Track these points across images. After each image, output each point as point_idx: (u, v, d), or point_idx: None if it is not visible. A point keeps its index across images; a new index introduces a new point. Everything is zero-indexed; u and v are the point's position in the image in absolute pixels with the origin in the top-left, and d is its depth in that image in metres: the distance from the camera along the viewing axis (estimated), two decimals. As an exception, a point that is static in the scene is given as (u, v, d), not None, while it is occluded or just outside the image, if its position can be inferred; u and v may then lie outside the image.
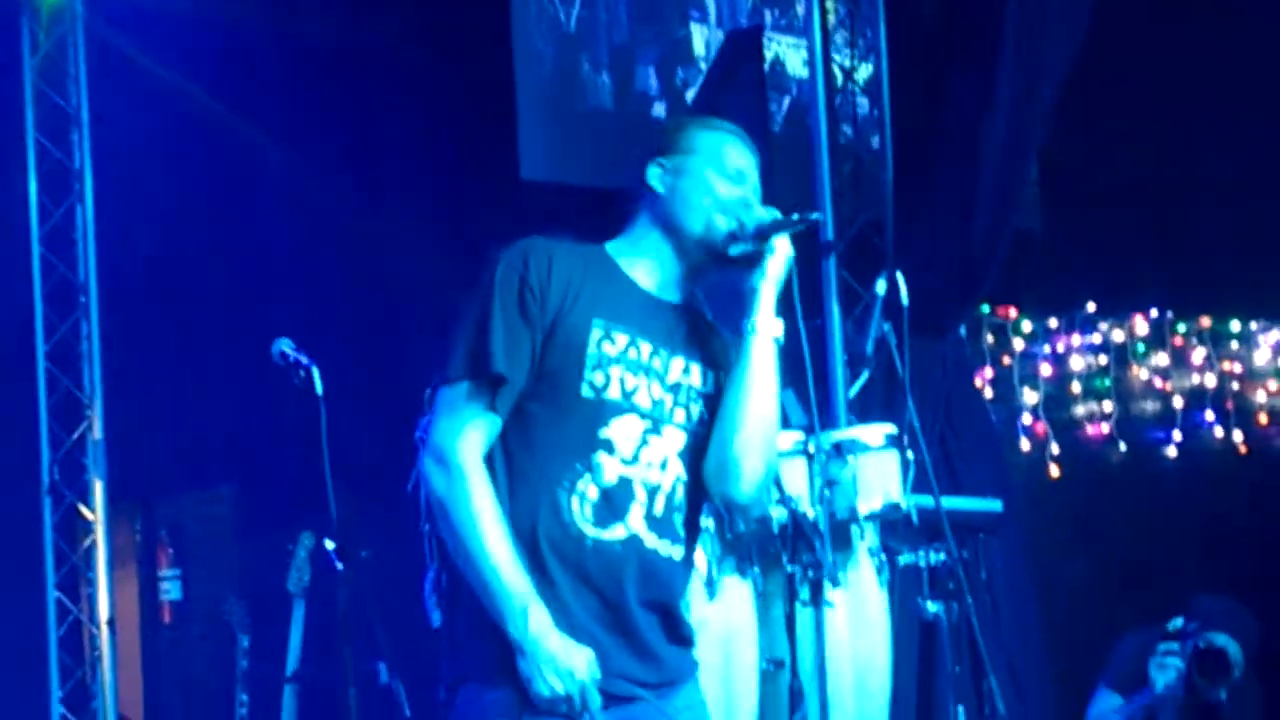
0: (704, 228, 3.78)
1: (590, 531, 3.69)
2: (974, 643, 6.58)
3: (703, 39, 9.31)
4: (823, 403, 7.41)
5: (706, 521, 5.79)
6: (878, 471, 6.04)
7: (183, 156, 8.17)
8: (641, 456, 3.73)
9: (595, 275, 3.78)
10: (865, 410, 7.31)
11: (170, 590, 9.41)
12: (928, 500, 6.09)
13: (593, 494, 3.69)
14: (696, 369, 3.81)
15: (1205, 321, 9.55)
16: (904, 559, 6.20)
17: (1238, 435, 9.69)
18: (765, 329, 3.81)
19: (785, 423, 6.74)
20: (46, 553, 8.10)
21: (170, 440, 8.60)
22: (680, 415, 3.78)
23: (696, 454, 3.80)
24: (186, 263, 8.29)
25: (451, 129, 8.50)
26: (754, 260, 3.80)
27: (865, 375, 7.30)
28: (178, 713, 9.22)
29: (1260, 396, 9.89)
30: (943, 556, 6.14)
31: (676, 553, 3.78)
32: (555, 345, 3.70)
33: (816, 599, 5.72)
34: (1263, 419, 9.86)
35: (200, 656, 9.06)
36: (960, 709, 6.03)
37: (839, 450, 6.02)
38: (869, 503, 6.00)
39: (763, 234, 3.79)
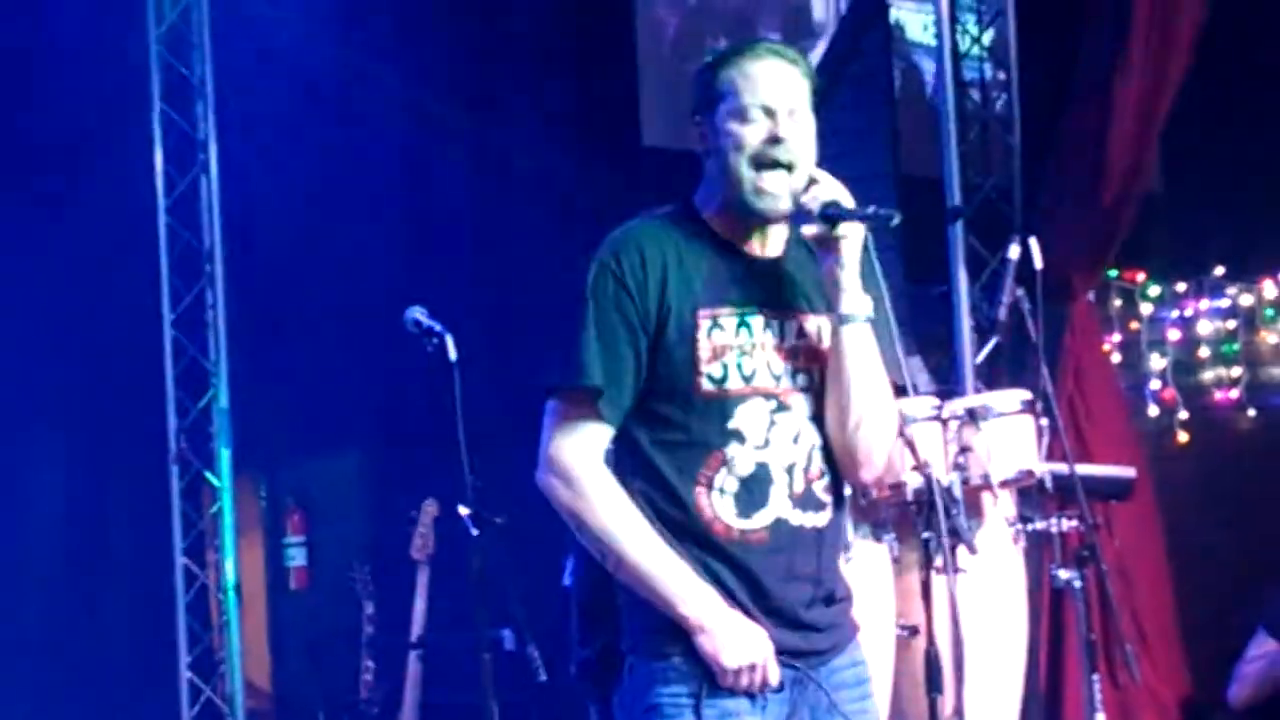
0: (751, 191, 3.69)
1: (736, 524, 3.68)
2: (1107, 609, 6.53)
3: (823, 5, 9.27)
4: (950, 369, 7.37)
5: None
6: (1012, 438, 5.99)
7: (308, 125, 8.20)
8: (773, 439, 3.70)
9: (690, 251, 3.72)
10: (990, 377, 7.25)
11: (296, 556, 9.46)
12: (1061, 467, 6.04)
13: (731, 486, 3.68)
14: (811, 321, 3.75)
15: (1334, 285, 9.42)
16: (1036, 525, 6.13)
17: (1361, 401, 9.55)
18: (854, 312, 3.71)
19: (914, 390, 6.75)
20: (174, 520, 8.18)
21: (297, 408, 8.65)
22: (803, 379, 3.74)
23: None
24: (313, 230, 8.33)
25: (574, 96, 8.49)
26: (825, 242, 3.69)
27: (993, 342, 7.23)
28: (303, 678, 9.27)
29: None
30: (1075, 523, 6.07)
31: (823, 520, 3.76)
32: (666, 343, 3.67)
33: (951, 566, 5.67)
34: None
35: (326, 623, 9.11)
36: (1094, 676, 5.96)
37: (972, 416, 5.98)
38: (1003, 469, 5.95)
39: (830, 220, 3.67)
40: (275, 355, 8.53)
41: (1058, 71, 7.45)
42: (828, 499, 3.76)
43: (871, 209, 3.71)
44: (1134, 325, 8.89)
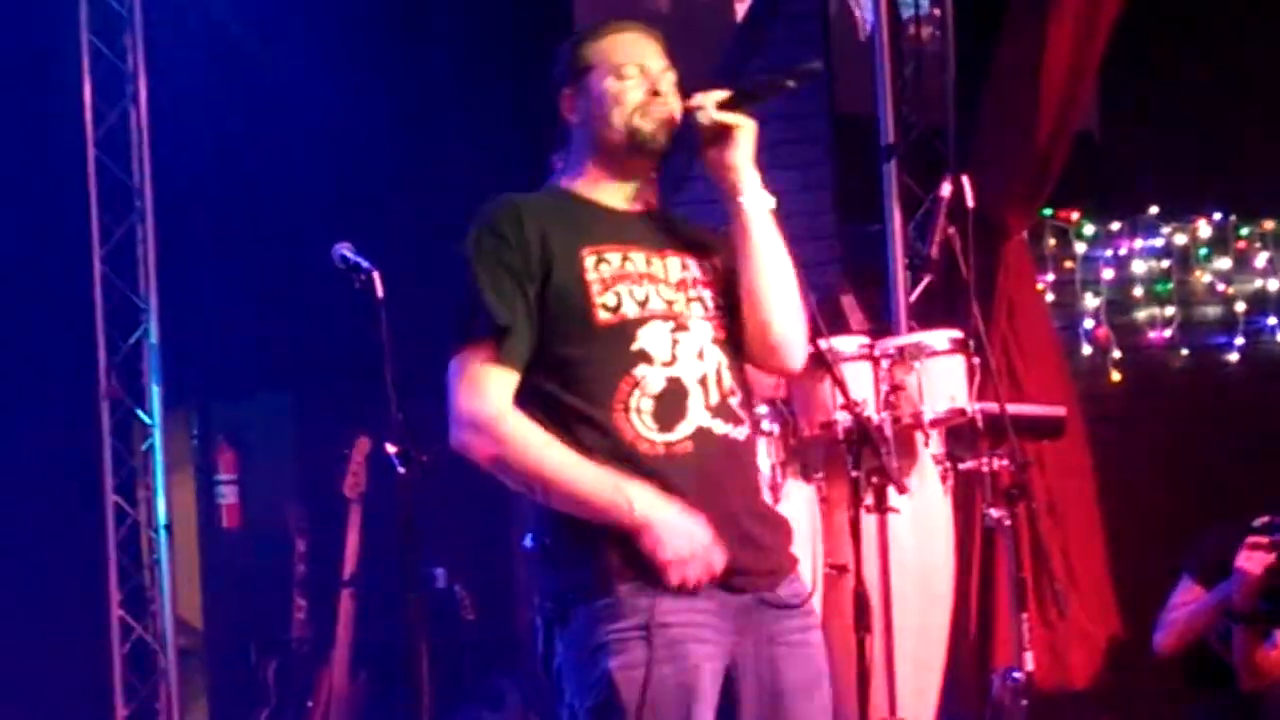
0: (628, 135, 3.83)
1: (660, 438, 3.71)
2: (1037, 548, 6.55)
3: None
4: (884, 307, 7.36)
5: (771, 426, 5.78)
6: (943, 376, 5.99)
7: (238, 59, 8.13)
8: (679, 355, 3.75)
9: (564, 212, 3.83)
10: (926, 315, 7.25)
11: (227, 494, 9.43)
12: (992, 406, 6.04)
13: (647, 405, 3.72)
14: (692, 261, 3.86)
15: (1268, 224, 9.41)
16: (967, 464, 6.13)
17: (1301, 339, 9.58)
18: (760, 200, 3.85)
19: (846, 327, 6.74)
20: (105, 457, 8.12)
21: (229, 345, 8.60)
22: (697, 307, 3.82)
23: (727, 338, 3.83)
24: (244, 166, 8.26)
25: (507, 27, 8.43)
26: (721, 135, 3.83)
27: (926, 280, 7.23)
28: (235, 616, 9.26)
29: (1325, 299, 9.76)
30: (1005, 462, 6.07)
31: (742, 434, 3.81)
32: (555, 286, 3.74)
33: (880, 505, 5.68)
34: (1326, 322, 9.74)
35: (258, 560, 9.09)
36: (1023, 615, 5.97)
37: (903, 354, 5.97)
38: (934, 407, 5.95)
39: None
40: (206, 292, 8.46)
41: (993, 8, 7.42)
42: (744, 415, 3.83)
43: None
44: (1068, 264, 8.87)
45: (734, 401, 3.80)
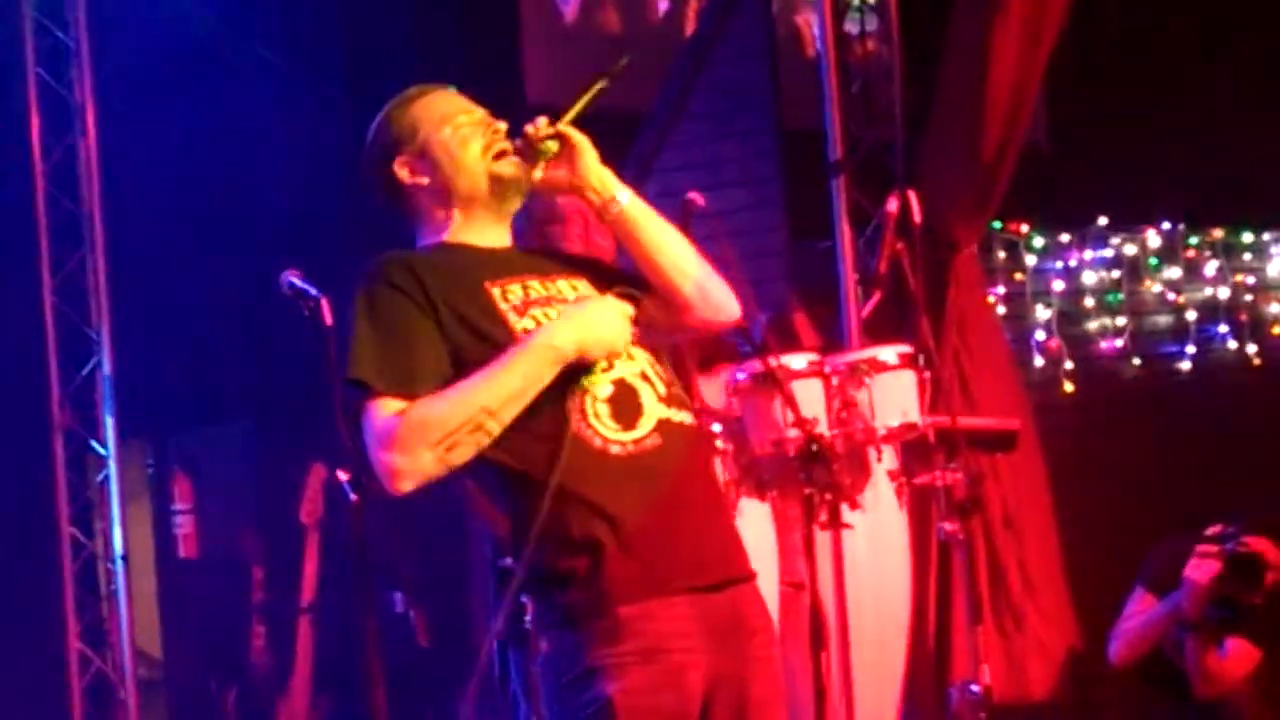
0: (483, 177, 3.82)
1: (627, 436, 3.67)
2: (993, 561, 6.58)
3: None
4: (837, 323, 7.38)
5: (725, 445, 5.79)
6: (894, 391, 6.00)
7: (187, 88, 8.12)
8: (610, 361, 3.71)
9: (450, 261, 3.80)
10: (878, 331, 7.26)
11: (184, 524, 9.41)
12: (944, 419, 6.06)
13: (603, 409, 3.68)
14: (578, 280, 3.86)
15: (1217, 233, 9.48)
16: (921, 479, 6.15)
17: (1252, 348, 9.64)
18: (627, 193, 3.87)
19: (798, 344, 6.76)
20: (59, 489, 8.09)
21: (182, 375, 8.58)
22: None
23: (641, 338, 3.80)
24: (194, 196, 8.24)
25: (455, 51, 8.43)
26: (565, 157, 3.82)
27: (877, 296, 7.24)
28: (195, 645, 9.23)
29: (1274, 308, 9.82)
30: (959, 476, 6.09)
31: (690, 419, 3.81)
32: (470, 327, 3.69)
33: (834, 521, 5.69)
34: (1277, 330, 9.81)
35: (216, 589, 9.06)
36: (978, 629, 5.99)
37: (854, 370, 5.99)
38: (885, 422, 5.97)
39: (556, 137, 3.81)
40: (158, 322, 8.45)
41: (939, 23, 7.44)
42: (687, 400, 3.84)
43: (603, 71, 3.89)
44: (1018, 276, 8.92)
45: (676, 390, 3.80)
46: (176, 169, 8.20)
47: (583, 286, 3.86)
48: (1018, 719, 7.00)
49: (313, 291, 5.24)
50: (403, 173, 3.89)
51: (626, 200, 3.87)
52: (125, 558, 8.10)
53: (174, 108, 8.16)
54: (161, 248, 8.43)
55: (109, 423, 8.12)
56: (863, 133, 7.63)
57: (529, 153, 3.83)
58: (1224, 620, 6.40)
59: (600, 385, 3.70)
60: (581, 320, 3.66)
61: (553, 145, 3.84)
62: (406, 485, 3.67)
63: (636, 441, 3.67)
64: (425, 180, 3.87)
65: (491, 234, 3.89)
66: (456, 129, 3.84)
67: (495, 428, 3.62)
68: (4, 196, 8.06)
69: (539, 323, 3.70)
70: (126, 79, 8.15)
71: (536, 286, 3.79)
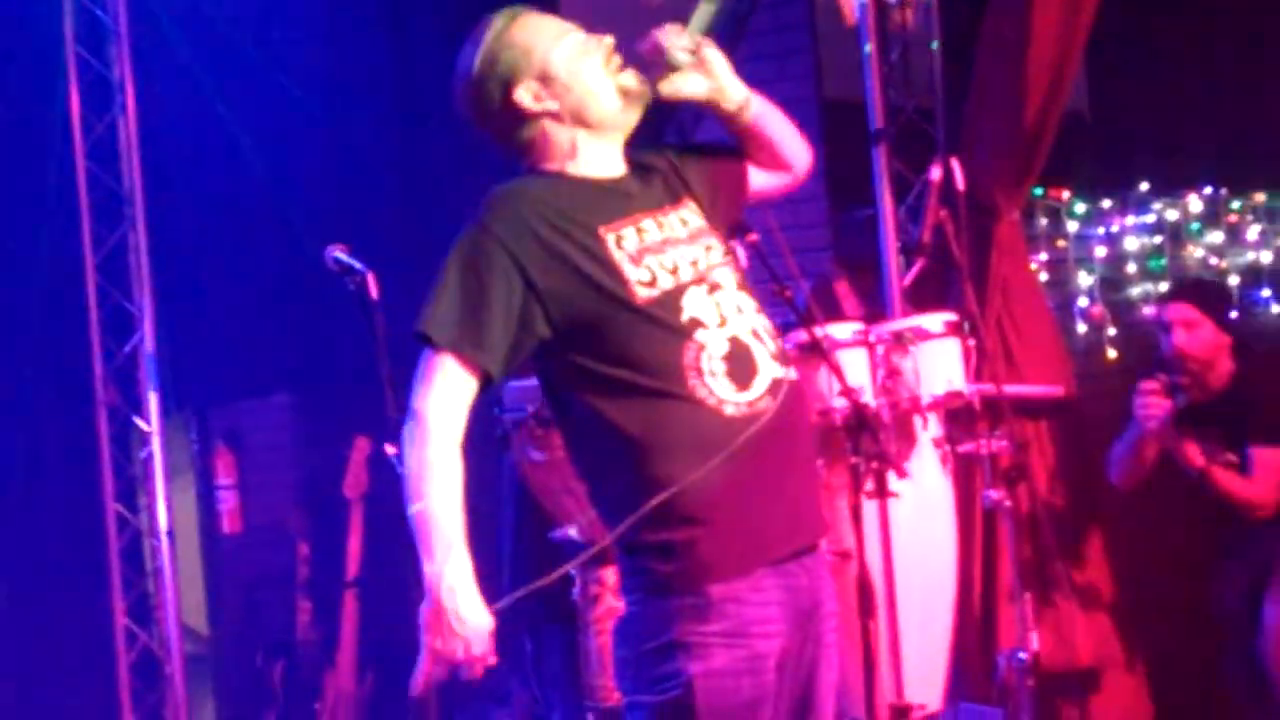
0: (613, 93, 3.81)
1: (743, 398, 3.66)
2: (1038, 528, 6.56)
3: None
4: (879, 292, 7.36)
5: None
6: (939, 360, 5.99)
7: (226, 63, 8.12)
8: (726, 315, 3.70)
9: (569, 201, 3.75)
10: (920, 299, 7.24)
11: (227, 499, 9.43)
12: (989, 387, 6.05)
13: (719, 367, 3.65)
14: (686, 211, 3.84)
15: (1259, 197, 9.42)
16: (966, 447, 6.14)
17: (1294, 311, 9.59)
18: (757, 98, 4.00)
19: (841, 314, 6.75)
20: (104, 466, 8.12)
21: (225, 349, 8.60)
22: (714, 254, 3.80)
23: (742, 280, 3.82)
24: (236, 171, 8.25)
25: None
26: (695, 70, 3.89)
27: (920, 264, 7.22)
28: (240, 621, 9.27)
29: (1317, 271, 9.77)
30: (1004, 443, 6.07)
31: (795, 375, 3.80)
32: (581, 273, 3.66)
33: (881, 490, 5.68)
34: (1320, 294, 9.76)
35: (261, 564, 9.09)
36: (1027, 596, 5.98)
37: (899, 339, 5.97)
38: (931, 391, 5.95)
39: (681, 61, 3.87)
40: (200, 297, 8.47)
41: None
42: (788, 354, 3.84)
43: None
44: (1060, 243, 8.87)
45: (780, 344, 3.80)
46: (216, 144, 8.21)
47: (691, 218, 3.83)
48: (1065, 685, 6.98)
49: (358, 266, 5.27)
50: (526, 99, 3.81)
51: (757, 104, 3.96)
52: (171, 533, 8.12)
53: (212, 82, 8.16)
54: (202, 224, 8.45)
55: (152, 399, 8.14)
56: (903, 101, 7.60)
57: (655, 65, 3.83)
58: (1221, 435, 6.48)
59: (716, 343, 3.67)
60: (459, 614, 3.55)
61: (686, 57, 3.83)
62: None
63: (751, 403, 3.65)
64: (554, 105, 3.80)
65: (611, 159, 3.84)
66: (574, 47, 3.81)
67: (408, 499, 3.63)
68: (45, 175, 8.07)
69: (653, 274, 3.67)
70: (165, 54, 8.15)
71: (650, 229, 3.75)
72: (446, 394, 3.65)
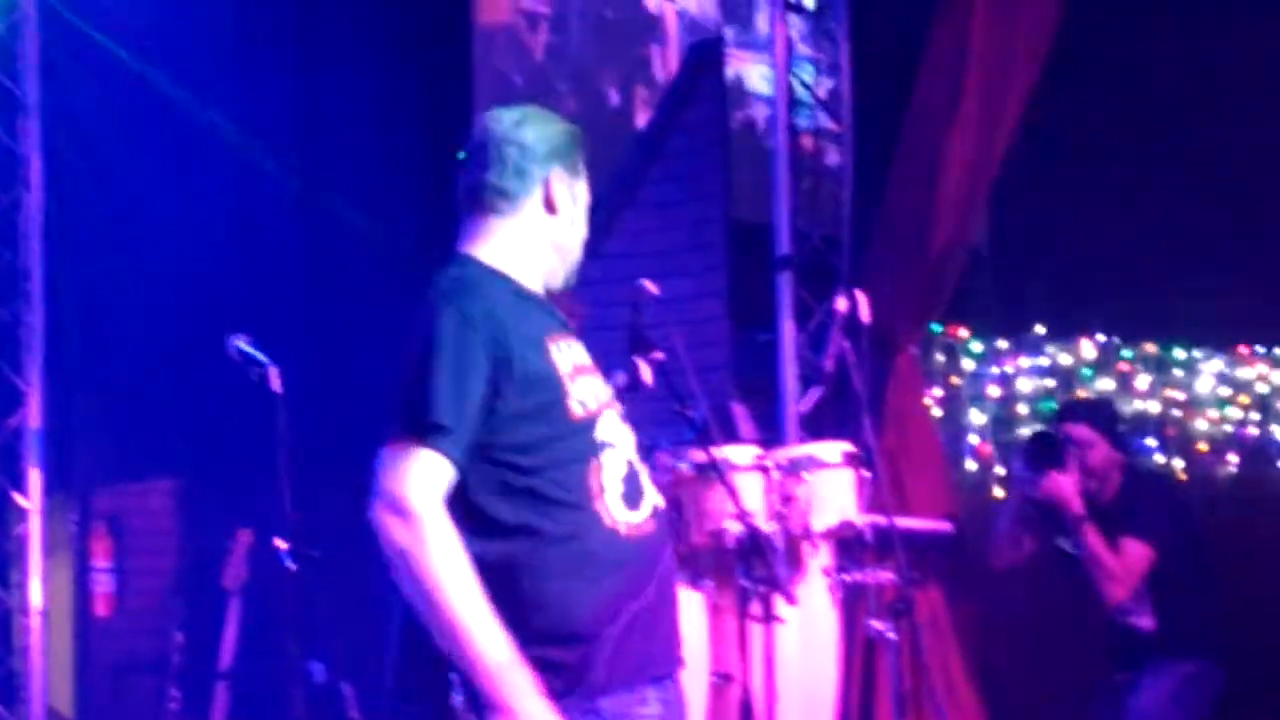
0: (575, 255, 3.91)
1: (633, 518, 3.72)
2: (919, 662, 6.57)
3: (660, 61, 9.35)
4: (775, 417, 7.39)
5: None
6: (834, 489, 6.02)
7: (135, 144, 8.09)
8: (619, 439, 3.78)
9: (519, 300, 3.79)
10: (814, 426, 7.29)
11: (103, 582, 9.30)
12: (881, 519, 6.07)
13: (617, 487, 3.72)
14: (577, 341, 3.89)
15: (1150, 348, 9.58)
16: (854, 576, 6.16)
17: (1178, 462, 9.73)
18: None
19: (737, 436, 6.77)
20: (-22, 540, 7.99)
21: (114, 431, 8.51)
22: (605, 387, 3.87)
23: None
24: (136, 254, 8.19)
25: (415, 137, 8.46)
26: None
27: (818, 391, 7.27)
28: (108, 706, 9.12)
29: (1201, 424, 9.93)
30: (891, 575, 6.10)
31: (663, 503, 3.87)
32: (529, 377, 3.68)
33: (768, 614, 5.68)
34: (1202, 446, 9.90)
35: (133, 650, 8.96)
36: (905, 727, 6.00)
37: (795, 466, 6.00)
38: (824, 520, 5.98)
39: None
40: (95, 377, 8.39)
41: (891, 126, 7.51)
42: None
43: None
44: (955, 380, 8.97)
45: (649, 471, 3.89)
46: (120, 226, 8.16)
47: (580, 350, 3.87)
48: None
49: (262, 358, 5.24)
50: (559, 188, 3.84)
51: None
52: (44, 613, 7.99)
53: (119, 161, 8.12)
54: (102, 303, 8.37)
55: (34, 476, 8.02)
56: (810, 229, 7.67)
57: None
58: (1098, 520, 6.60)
59: (615, 464, 3.74)
60: (535, 714, 3.53)
61: None
62: (375, 519, 3.61)
63: (638, 525, 3.72)
64: (557, 207, 3.84)
65: (536, 279, 3.86)
66: (578, 204, 3.89)
67: (423, 609, 3.56)
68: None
69: (588, 394, 3.72)
70: (75, 132, 8.10)
71: (576, 350, 3.79)
72: (436, 488, 3.60)
